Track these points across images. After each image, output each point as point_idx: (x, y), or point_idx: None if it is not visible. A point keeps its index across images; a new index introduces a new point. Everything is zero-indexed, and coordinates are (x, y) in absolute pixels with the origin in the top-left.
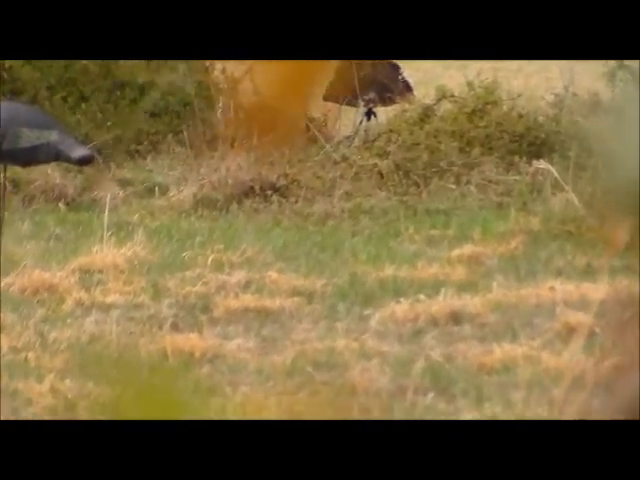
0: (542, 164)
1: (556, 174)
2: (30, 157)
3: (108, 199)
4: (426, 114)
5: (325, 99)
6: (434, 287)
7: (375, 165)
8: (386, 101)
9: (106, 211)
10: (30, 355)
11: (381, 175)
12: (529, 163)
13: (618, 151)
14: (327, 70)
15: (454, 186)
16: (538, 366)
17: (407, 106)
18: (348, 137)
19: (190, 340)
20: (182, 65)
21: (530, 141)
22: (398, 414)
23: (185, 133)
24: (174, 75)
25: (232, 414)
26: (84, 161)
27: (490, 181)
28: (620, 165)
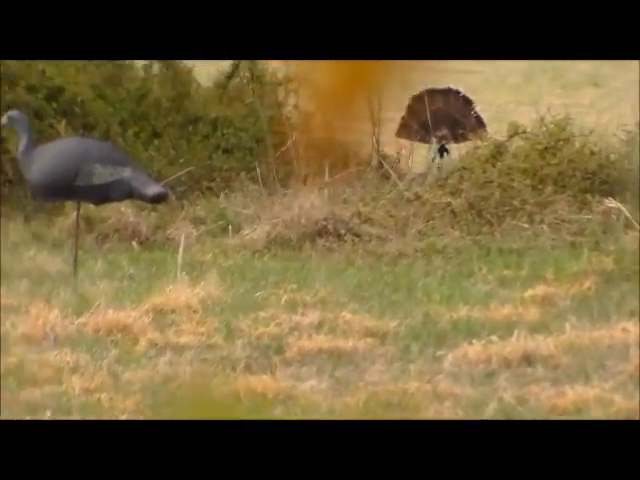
0: (613, 203)
1: (627, 213)
2: (103, 194)
3: (182, 239)
4: (499, 151)
5: (398, 135)
6: (507, 328)
7: (448, 204)
8: (458, 138)
9: (180, 250)
10: (103, 396)
11: (454, 214)
12: (601, 201)
13: None
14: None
15: (527, 225)
16: (610, 408)
17: (479, 143)
18: (421, 174)
19: (263, 381)
20: (255, 100)
21: (602, 179)
22: None
23: (258, 170)
24: (247, 110)
25: None
26: (158, 199)
27: (563, 220)
28: None
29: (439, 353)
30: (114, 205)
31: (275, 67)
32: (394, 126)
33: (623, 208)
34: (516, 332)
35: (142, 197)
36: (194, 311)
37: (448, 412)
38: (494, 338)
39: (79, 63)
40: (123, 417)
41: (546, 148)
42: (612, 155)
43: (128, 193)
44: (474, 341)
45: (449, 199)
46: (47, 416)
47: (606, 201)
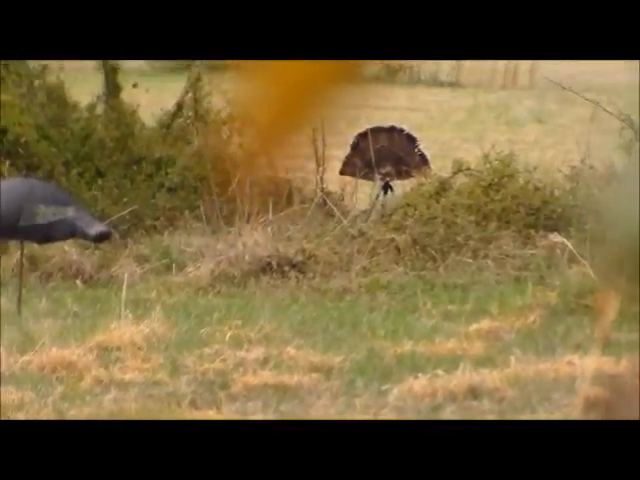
0: (558, 238)
1: (572, 247)
2: (47, 234)
3: (126, 277)
4: (443, 187)
5: (342, 173)
6: (452, 362)
7: (392, 240)
8: (402, 175)
9: (124, 288)
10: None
11: (398, 250)
12: (545, 236)
13: (633, 219)
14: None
15: (471, 260)
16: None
17: (423, 180)
18: (365, 211)
19: (209, 417)
20: (198, 139)
21: (546, 215)
22: None
23: (202, 208)
24: (190, 149)
25: None
26: (101, 238)
27: (507, 255)
28: (634, 234)
29: (384, 387)
30: (58, 244)
31: (219, 106)
32: (338, 164)
33: (568, 243)
34: (461, 366)
35: (85, 236)
36: (139, 348)
37: None
38: (439, 372)
39: (22, 103)
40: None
41: (490, 184)
42: (556, 191)
43: (71, 232)
44: (419, 375)
45: (393, 235)
46: None
47: (551, 236)
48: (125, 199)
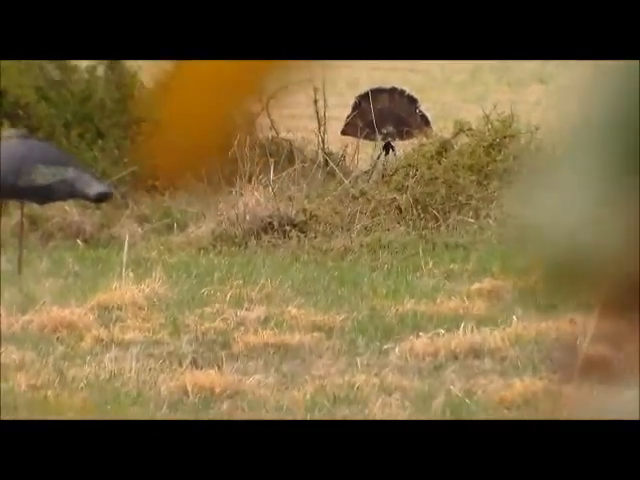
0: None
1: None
2: (46, 194)
3: (127, 237)
4: (444, 148)
5: (343, 133)
6: (454, 321)
7: (394, 200)
8: (404, 135)
9: (125, 248)
10: (49, 393)
11: (400, 210)
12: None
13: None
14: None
15: (473, 220)
16: (559, 400)
17: (425, 140)
18: (366, 172)
19: (210, 376)
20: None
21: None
22: None
23: (202, 168)
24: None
25: None
26: (102, 198)
27: (509, 215)
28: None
29: (386, 346)
30: (58, 204)
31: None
32: (339, 124)
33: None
34: (463, 325)
35: (86, 197)
36: (140, 308)
37: (396, 405)
38: (441, 331)
39: (22, 65)
40: (70, 414)
41: (491, 144)
42: (558, 151)
43: (71, 193)
44: (421, 334)
45: (395, 195)
46: None
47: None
48: (125, 159)
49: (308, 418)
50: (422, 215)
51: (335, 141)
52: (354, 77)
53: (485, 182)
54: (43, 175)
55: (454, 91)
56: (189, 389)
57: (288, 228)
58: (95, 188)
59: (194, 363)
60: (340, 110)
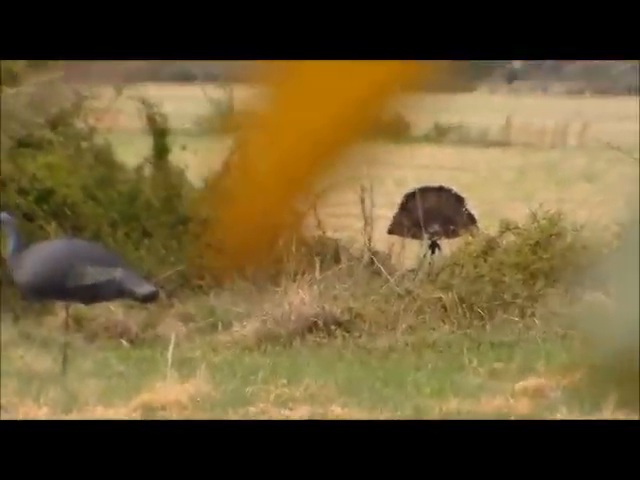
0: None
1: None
2: (94, 294)
3: (173, 336)
4: (490, 246)
5: (390, 232)
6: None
7: (439, 299)
8: (450, 234)
9: (170, 348)
10: None
11: (445, 308)
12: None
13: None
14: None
15: (518, 318)
16: None
17: (470, 239)
18: (412, 270)
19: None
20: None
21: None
22: None
23: (248, 268)
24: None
25: None
26: (149, 298)
27: (554, 313)
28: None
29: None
30: (103, 303)
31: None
32: (386, 223)
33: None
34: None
35: (134, 296)
36: (184, 407)
37: None
38: None
39: (69, 164)
40: None
41: (537, 243)
42: (604, 249)
43: (119, 293)
44: None
45: (440, 294)
46: None
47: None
48: (171, 259)
49: None
50: (467, 314)
51: (381, 240)
52: (402, 176)
53: (531, 281)
54: (91, 275)
55: (501, 189)
56: None
57: (333, 327)
58: (143, 288)
59: None
60: (387, 209)
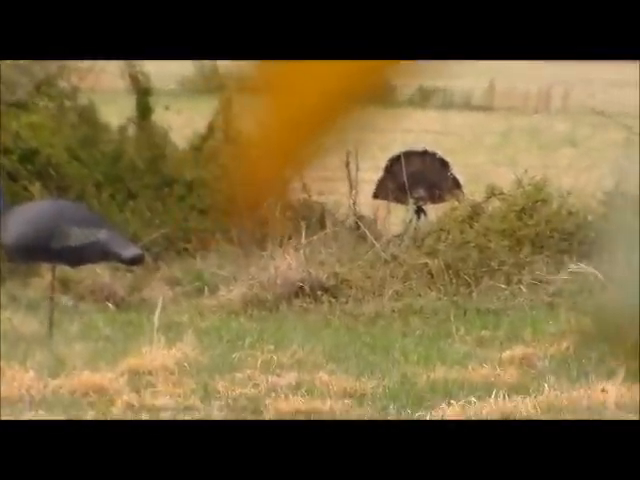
0: (583, 268)
1: (600, 276)
2: (79, 256)
3: (160, 300)
4: (476, 212)
5: (375, 196)
6: (485, 389)
7: (425, 264)
8: (435, 198)
9: (156, 312)
10: None
11: (431, 274)
12: (579, 262)
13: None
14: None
15: (504, 286)
16: None
17: (456, 204)
18: (398, 236)
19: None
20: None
21: (580, 240)
22: None
23: (234, 231)
24: (222, 171)
25: None
26: (134, 261)
27: (540, 281)
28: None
29: (417, 414)
30: (89, 266)
31: (250, 128)
32: (371, 187)
33: (596, 272)
34: (494, 393)
35: (119, 259)
36: (170, 372)
37: None
38: (473, 399)
39: (55, 125)
40: None
41: (523, 209)
42: (590, 216)
43: (104, 255)
44: (452, 402)
45: (426, 260)
46: None
47: (582, 265)
48: (157, 221)
49: None
50: (454, 280)
51: (367, 204)
52: (387, 140)
53: (517, 247)
54: (76, 237)
55: (485, 154)
56: None
57: (319, 292)
58: (128, 251)
59: None
60: (372, 173)
